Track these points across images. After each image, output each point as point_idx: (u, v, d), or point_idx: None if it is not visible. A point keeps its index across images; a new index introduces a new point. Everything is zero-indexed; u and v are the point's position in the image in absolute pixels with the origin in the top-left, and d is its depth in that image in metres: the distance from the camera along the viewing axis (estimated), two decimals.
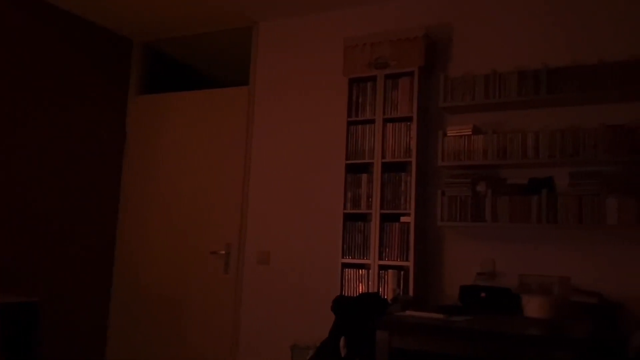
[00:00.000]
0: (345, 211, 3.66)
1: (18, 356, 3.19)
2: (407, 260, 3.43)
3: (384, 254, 3.51)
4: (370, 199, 3.61)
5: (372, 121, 3.67)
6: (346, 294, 3.58)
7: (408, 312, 2.73)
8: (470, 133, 3.35)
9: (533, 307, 2.52)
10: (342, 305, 2.82)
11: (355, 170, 3.71)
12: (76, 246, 4.35)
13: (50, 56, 4.17)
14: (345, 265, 3.62)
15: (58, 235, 4.21)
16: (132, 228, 4.63)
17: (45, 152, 4.12)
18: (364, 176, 3.65)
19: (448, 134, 3.41)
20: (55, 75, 4.20)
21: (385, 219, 3.56)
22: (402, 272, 3.43)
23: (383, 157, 3.59)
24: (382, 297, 3.23)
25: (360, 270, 3.56)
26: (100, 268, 4.56)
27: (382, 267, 3.51)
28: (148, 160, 4.65)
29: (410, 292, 3.37)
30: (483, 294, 3.04)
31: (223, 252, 4.23)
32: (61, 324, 4.22)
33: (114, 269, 4.65)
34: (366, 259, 3.56)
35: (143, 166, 4.67)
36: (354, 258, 3.59)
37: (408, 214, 3.48)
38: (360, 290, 3.53)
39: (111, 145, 4.67)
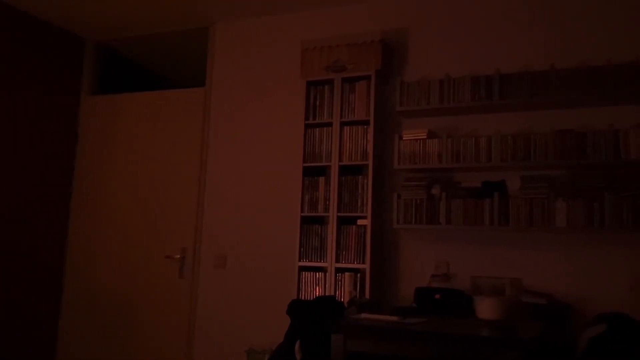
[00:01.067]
0: (303, 214, 3.65)
1: None
2: (363, 262, 3.45)
3: (340, 257, 3.52)
4: (327, 202, 3.61)
5: (329, 124, 3.68)
6: (303, 298, 3.57)
7: (363, 315, 2.74)
8: (426, 137, 3.39)
9: (485, 308, 2.56)
10: (298, 308, 2.81)
11: (313, 173, 3.71)
12: (25, 250, 4.20)
13: None
14: (302, 269, 3.61)
15: (6, 239, 4.06)
16: (84, 232, 4.51)
17: None
18: (322, 179, 3.65)
19: (404, 138, 3.45)
20: (3, 74, 4.06)
21: (342, 221, 3.57)
22: (358, 275, 3.45)
23: (340, 160, 3.60)
24: (339, 300, 3.24)
25: (317, 273, 3.56)
26: (51, 273, 4.42)
27: (338, 270, 3.51)
28: (101, 162, 4.54)
29: (367, 295, 3.39)
30: (437, 296, 3.08)
31: (178, 256, 4.16)
32: (9, 330, 4.07)
33: (65, 274, 4.52)
34: (323, 262, 3.56)
35: (96, 168, 4.55)
36: (311, 261, 3.59)
37: (365, 217, 3.50)
38: (317, 294, 3.53)
39: (63, 147, 4.54)
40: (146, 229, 4.30)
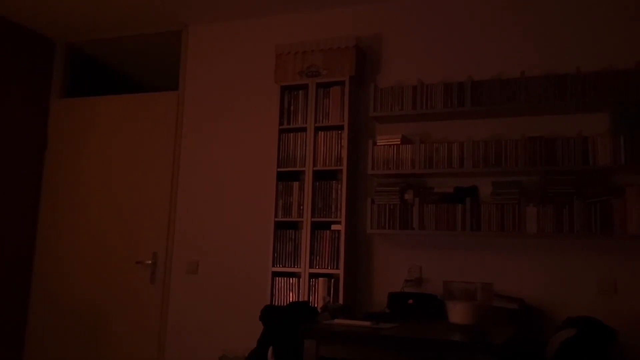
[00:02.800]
0: (277, 219, 3.64)
1: None
2: (337, 268, 3.44)
3: (314, 262, 3.51)
4: (301, 207, 3.60)
5: (303, 129, 3.67)
6: (277, 303, 3.55)
7: (336, 321, 2.74)
8: (399, 142, 3.41)
9: (457, 313, 2.58)
10: (271, 314, 2.79)
11: (287, 178, 3.70)
12: None
13: None
14: (275, 274, 3.60)
15: None
16: (53, 236, 4.42)
17: None
18: (296, 184, 3.64)
19: (378, 143, 3.46)
20: None
21: (316, 227, 3.57)
22: (332, 280, 3.44)
23: (314, 165, 3.60)
24: (312, 305, 3.23)
25: (290, 279, 3.54)
26: (18, 278, 4.32)
27: (312, 275, 3.50)
28: (71, 165, 4.46)
29: (340, 300, 3.39)
30: (410, 301, 3.10)
31: (149, 261, 4.11)
32: None
33: (33, 279, 4.42)
34: (297, 267, 3.54)
35: (65, 172, 4.47)
36: (285, 266, 3.57)
37: (339, 222, 3.50)
38: (291, 299, 3.52)
39: (31, 149, 4.44)
40: (117, 234, 4.23)
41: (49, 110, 4.60)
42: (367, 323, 2.62)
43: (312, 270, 3.49)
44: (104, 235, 4.27)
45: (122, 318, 4.11)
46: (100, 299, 4.19)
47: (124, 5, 3.99)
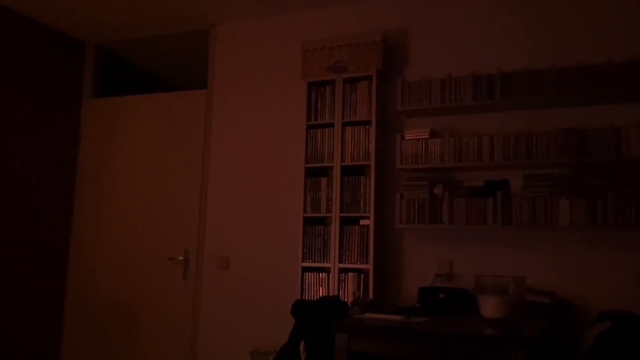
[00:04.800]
0: (305, 215, 3.66)
1: None
2: (366, 263, 3.45)
3: (343, 257, 3.52)
4: (329, 203, 3.61)
5: (331, 125, 3.68)
6: (306, 298, 3.57)
7: (367, 315, 2.75)
8: (428, 137, 3.39)
9: (489, 307, 2.56)
10: (302, 309, 2.81)
11: (315, 173, 3.71)
12: (28, 254, 4.21)
13: None
14: (305, 269, 3.61)
15: (8, 243, 4.07)
16: (87, 234, 4.51)
17: None
18: (324, 180, 3.65)
19: (406, 138, 3.45)
20: (4, 78, 4.07)
21: (344, 222, 3.57)
22: (361, 275, 3.45)
23: (342, 160, 3.60)
24: (342, 300, 3.24)
25: (320, 274, 3.56)
26: (53, 276, 4.43)
27: (342, 270, 3.51)
28: (103, 165, 4.55)
29: (370, 295, 3.39)
30: (441, 295, 3.08)
31: (181, 257, 4.17)
32: (13, 334, 4.08)
33: (68, 277, 4.52)
34: (326, 262, 3.56)
35: (98, 171, 4.56)
36: (314, 262, 3.59)
37: (367, 217, 3.50)
38: (321, 294, 3.53)
39: (64, 149, 4.55)
40: (149, 231, 4.30)
41: (81, 110, 4.69)
42: (398, 317, 2.62)
43: (342, 265, 3.51)
44: (137, 232, 4.34)
45: (156, 313, 4.18)
46: (134, 295, 4.27)
47: (152, 6, 4.04)
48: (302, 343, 2.65)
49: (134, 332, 4.22)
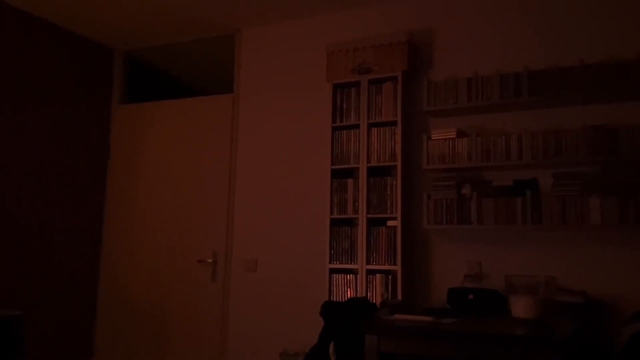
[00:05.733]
0: (332, 216, 3.66)
1: None
2: (394, 264, 3.44)
3: (371, 259, 3.52)
4: (356, 204, 3.61)
5: (356, 126, 3.69)
6: (335, 299, 3.58)
7: (396, 316, 2.74)
8: (455, 136, 3.37)
9: (520, 307, 2.54)
10: (331, 309, 2.81)
11: (341, 175, 3.72)
12: (61, 257, 4.30)
13: (30, 67, 4.13)
14: (332, 271, 3.62)
15: (42, 247, 4.16)
16: (118, 238, 4.59)
17: (27, 163, 4.08)
18: (350, 181, 3.66)
19: (432, 138, 3.44)
20: (36, 85, 4.17)
21: (371, 223, 3.57)
22: (389, 276, 3.44)
23: (368, 161, 3.61)
24: (371, 301, 3.24)
25: (348, 275, 3.56)
26: (86, 279, 4.51)
27: (369, 272, 3.51)
28: (132, 169, 4.62)
29: (398, 296, 3.38)
30: (471, 296, 3.06)
31: (210, 260, 4.21)
32: (46, 336, 4.16)
33: (100, 280, 4.61)
34: (354, 263, 3.56)
35: (127, 175, 4.64)
36: (342, 263, 3.60)
37: (394, 218, 3.49)
38: (349, 295, 3.53)
39: (95, 155, 4.63)
40: (178, 234, 4.36)
41: (111, 116, 4.78)
42: (428, 318, 2.61)
43: (369, 267, 3.50)
44: (167, 235, 4.40)
45: (186, 315, 4.23)
46: (165, 297, 4.33)
47: (178, 13, 4.10)
48: (331, 344, 2.65)
49: (165, 333, 4.28)
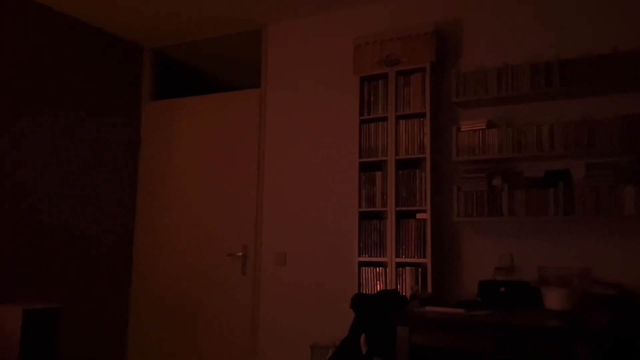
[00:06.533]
0: (361, 209, 3.66)
1: None
2: (424, 257, 3.42)
3: (400, 252, 3.51)
4: (385, 197, 3.60)
5: (384, 119, 3.67)
6: (364, 292, 3.58)
7: (428, 308, 2.73)
8: (485, 127, 3.34)
9: (553, 299, 2.51)
10: (362, 302, 2.82)
11: (369, 168, 3.71)
12: (94, 252, 4.39)
13: (61, 65, 4.21)
14: (362, 264, 3.62)
15: (76, 242, 4.25)
16: (149, 232, 4.66)
17: (61, 160, 4.16)
18: (378, 174, 3.65)
19: (462, 129, 3.40)
20: (67, 83, 4.25)
21: (400, 216, 3.56)
22: (419, 269, 3.43)
23: (397, 154, 3.59)
24: (401, 294, 3.23)
25: (377, 269, 3.56)
26: (118, 272, 4.60)
27: (399, 265, 3.50)
28: (163, 164, 4.69)
29: (429, 289, 3.37)
30: (502, 289, 3.03)
31: (240, 253, 4.25)
32: (80, 328, 4.26)
33: (132, 274, 4.69)
34: (383, 256, 3.55)
35: (158, 171, 4.70)
36: (371, 256, 3.59)
37: (424, 211, 3.47)
38: (378, 289, 3.53)
39: (126, 151, 4.71)
40: (208, 228, 4.41)
41: (141, 113, 4.85)
42: (459, 310, 2.59)
43: (399, 260, 3.49)
44: (196, 229, 4.45)
45: (216, 308, 4.28)
46: (196, 290, 4.39)
47: (205, 9, 4.13)
48: (362, 336, 2.66)
49: (196, 326, 4.34)
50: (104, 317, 4.44)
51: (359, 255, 3.62)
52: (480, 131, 3.33)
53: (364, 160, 3.70)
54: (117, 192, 4.61)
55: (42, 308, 3.27)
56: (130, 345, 4.60)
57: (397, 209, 3.54)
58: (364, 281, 3.59)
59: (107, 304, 4.47)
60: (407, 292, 3.42)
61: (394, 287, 3.47)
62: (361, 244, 3.63)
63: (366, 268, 3.59)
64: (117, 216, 4.60)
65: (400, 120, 3.62)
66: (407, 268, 3.46)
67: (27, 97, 3.96)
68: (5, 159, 3.80)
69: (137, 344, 4.58)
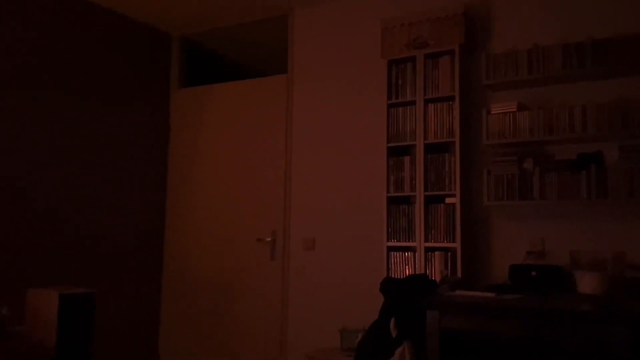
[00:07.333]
0: (389, 195, 3.65)
1: (75, 345, 3.31)
2: (453, 241, 3.41)
3: (429, 236, 3.49)
4: (413, 182, 3.59)
5: (412, 102, 3.64)
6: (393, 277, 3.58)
7: (458, 292, 2.72)
8: (515, 110, 3.29)
9: (586, 283, 2.48)
10: (391, 286, 2.82)
11: (397, 153, 3.69)
12: (127, 238, 4.47)
13: (90, 54, 4.27)
14: (390, 249, 3.62)
15: (109, 228, 4.33)
16: (180, 218, 4.73)
17: (92, 149, 4.24)
18: (407, 159, 3.63)
19: (492, 112, 3.36)
20: (96, 73, 4.30)
21: (429, 200, 3.54)
22: (449, 254, 3.41)
23: (425, 138, 3.56)
24: (430, 278, 3.22)
25: (406, 253, 3.56)
26: (151, 258, 4.68)
27: (428, 249, 3.49)
28: (192, 151, 4.74)
29: (458, 274, 3.35)
30: (534, 273, 3.01)
31: (269, 239, 4.28)
32: (114, 312, 4.35)
33: (164, 259, 4.77)
34: (412, 241, 3.54)
35: (187, 158, 4.76)
36: (399, 241, 3.59)
37: (453, 195, 3.45)
38: (407, 273, 3.53)
39: (156, 139, 4.77)
40: (237, 213, 4.45)
41: (170, 100, 4.90)
42: (490, 294, 2.58)
43: (428, 244, 3.48)
44: (226, 215, 4.50)
45: (247, 292, 4.33)
46: (226, 275, 4.44)
47: None
48: (392, 320, 2.66)
49: (226, 310, 4.39)
50: (137, 301, 4.53)
51: (388, 240, 3.62)
52: (511, 114, 3.29)
53: (392, 145, 3.68)
54: (148, 179, 4.68)
55: (77, 292, 3.35)
56: (162, 329, 4.69)
57: (426, 193, 3.52)
58: (393, 266, 3.59)
59: (140, 289, 4.56)
60: (436, 276, 3.41)
61: (423, 271, 3.46)
62: (389, 229, 3.63)
63: (395, 253, 3.59)
64: (148, 203, 4.67)
65: (429, 104, 3.58)
66: (436, 253, 3.45)
67: (57, 86, 4.03)
68: (43, 148, 3.88)
69: (169, 327, 4.66)
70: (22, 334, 3.27)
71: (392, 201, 3.66)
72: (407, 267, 3.55)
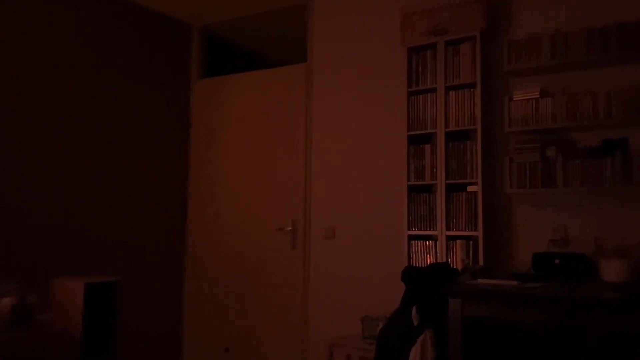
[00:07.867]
0: (409, 183, 3.64)
1: (100, 333, 3.37)
2: (475, 230, 3.38)
3: (451, 225, 3.47)
4: (434, 170, 3.57)
5: (433, 90, 3.61)
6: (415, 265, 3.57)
7: (480, 280, 2.71)
8: (538, 96, 3.24)
9: (611, 270, 2.45)
10: (412, 274, 2.82)
11: (418, 141, 3.67)
12: (149, 229, 4.52)
13: (111, 45, 4.31)
14: (411, 237, 3.61)
15: (132, 217, 4.38)
16: (202, 208, 4.77)
17: (116, 137, 4.28)
18: (427, 147, 3.61)
19: (514, 99, 3.32)
20: (117, 64, 4.34)
21: (450, 189, 3.52)
22: (470, 242, 3.39)
23: (446, 126, 3.54)
24: (452, 266, 3.21)
25: (427, 242, 3.54)
26: (173, 249, 4.73)
27: (449, 238, 3.48)
28: (213, 141, 4.77)
29: (480, 262, 3.33)
30: (557, 261, 2.98)
31: (289, 228, 4.30)
32: (138, 301, 4.42)
33: (186, 249, 4.82)
34: (433, 230, 3.53)
35: (209, 148, 4.79)
36: (420, 230, 3.57)
37: (475, 183, 3.42)
38: (428, 262, 3.52)
39: (177, 130, 4.80)
40: (258, 203, 4.47)
41: (190, 91, 4.93)
42: (513, 282, 2.56)
43: (449, 233, 3.46)
44: (247, 204, 4.53)
45: (268, 281, 4.36)
46: (248, 264, 4.48)
47: None
48: (414, 308, 2.66)
49: (248, 299, 4.43)
50: (160, 290, 4.59)
51: (409, 229, 3.61)
52: (534, 100, 3.24)
53: (412, 133, 3.66)
54: (170, 170, 4.72)
55: (102, 281, 3.40)
56: (186, 315, 4.75)
57: (447, 181, 3.50)
58: (414, 254, 3.58)
59: (163, 278, 4.62)
60: (457, 265, 3.40)
61: (444, 260, 3.45)
62: (410, 218, 3.62)
63: (416, 241, 3.58)
64: (170, 193, 4.72)
65: (450, 91, 3.55)
66: (457, 241, 3.43)
67: (78, 77, 4.07)
68: (70, 140, 3.93)
69: (192, 316, 4.72)
70: (49, 321, 3.34)
71: (412, 189, 3.65)
72: (428, 255, 3.54)
